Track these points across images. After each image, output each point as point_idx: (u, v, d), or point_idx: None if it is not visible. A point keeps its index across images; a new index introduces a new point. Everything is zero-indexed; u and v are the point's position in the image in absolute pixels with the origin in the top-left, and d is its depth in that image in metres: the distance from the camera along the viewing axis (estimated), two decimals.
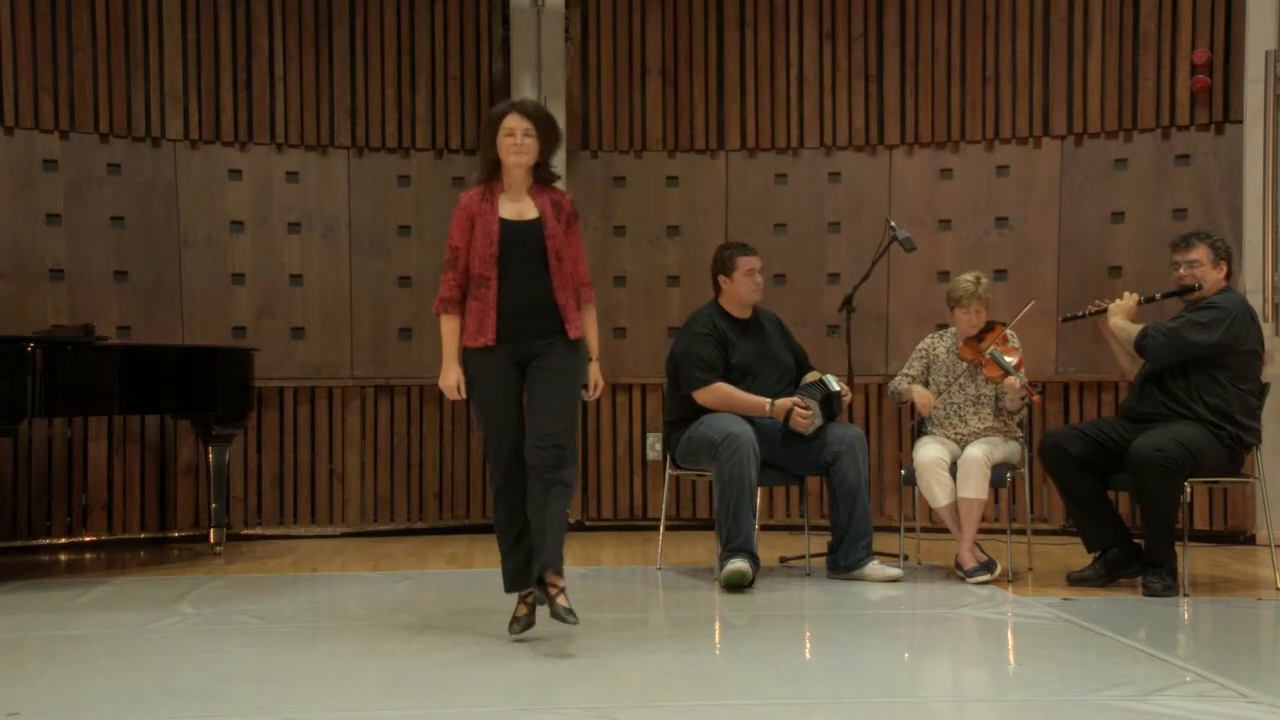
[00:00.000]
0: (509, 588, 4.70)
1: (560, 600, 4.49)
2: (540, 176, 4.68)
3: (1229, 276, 5.76)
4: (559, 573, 4.54)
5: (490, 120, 4.65)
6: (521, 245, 4.55)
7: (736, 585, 5.63)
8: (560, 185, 4.85)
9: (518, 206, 4.61)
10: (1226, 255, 5.73)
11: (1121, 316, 5.79)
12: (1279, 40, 7.05)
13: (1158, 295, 5.88)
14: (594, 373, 4.74)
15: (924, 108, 7.91)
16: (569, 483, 4.58)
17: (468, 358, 4.61)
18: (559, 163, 4.84)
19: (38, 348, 5.87)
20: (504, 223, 4.57)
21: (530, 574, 4.61)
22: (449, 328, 4.62)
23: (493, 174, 4.65)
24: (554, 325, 4.57)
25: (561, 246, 4.59)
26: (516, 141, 4.57)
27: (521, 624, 4.63)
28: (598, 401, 8.01)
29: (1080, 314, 6.07)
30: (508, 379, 4.58)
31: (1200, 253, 5.68)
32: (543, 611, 4.61)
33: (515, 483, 4.58)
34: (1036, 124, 7.75)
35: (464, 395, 4.63)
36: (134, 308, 7.44)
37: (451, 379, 4.61)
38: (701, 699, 3.95)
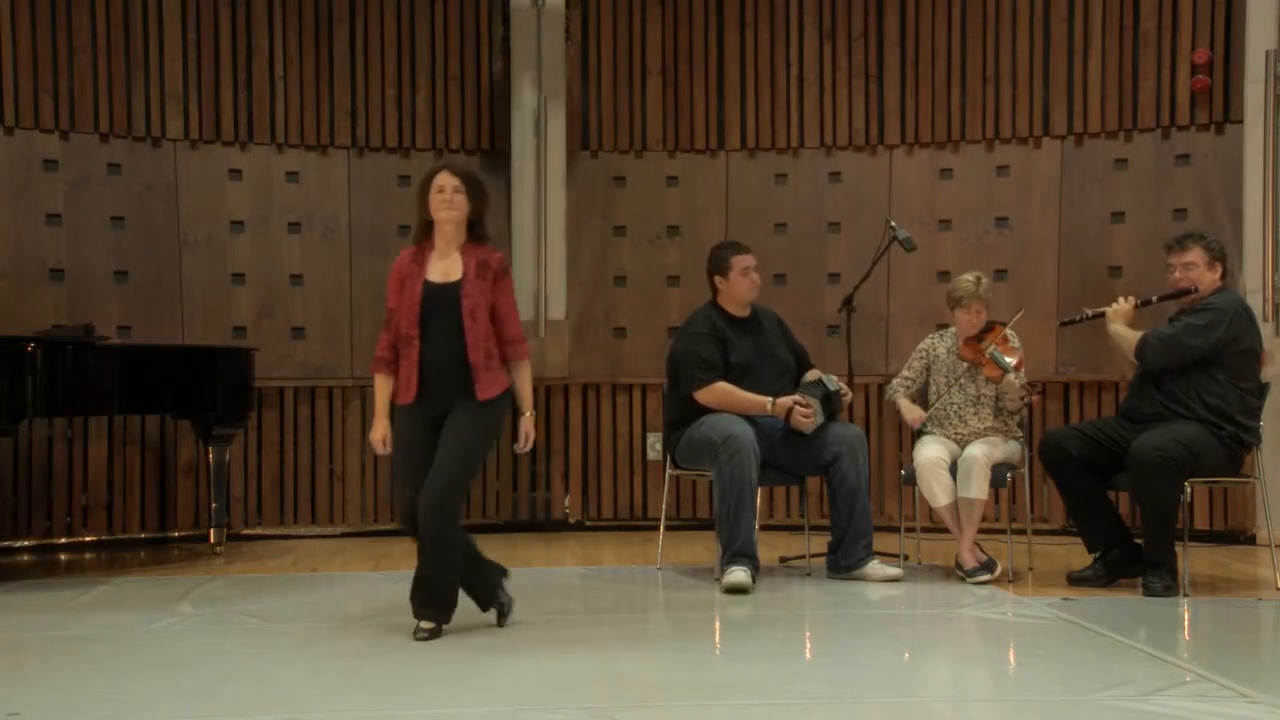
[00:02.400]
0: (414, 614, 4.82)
1: (424, 623, 4.71)
2: (473, 235, 4.77)
3: (1224, 276, 5.76)
4: (426, 617, 4.72)
5: (423, 181, 4.81)
6: (443, 306, 4.67)
7: (737, 594, 5.63)
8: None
9: (444, 265, 4.73)
10: (1221, 256, 5.73)
11: (1120, 322, 5.79)
12: (1279, 40, 7.05)
13: (1154, 298, 5.88)
14: (525, 425, 4.85)
15: (924, 108, 7.91)
16: (444, 551, 4.68)
17: (395, 413, 4.78)
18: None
19: (38, 348, 5.86)
20: (427, 284, 4.69)
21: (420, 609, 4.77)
22: (380, 386, 4.82)
23: (425, 233, 4.78)
24: (466, 383, 4.66)
25: (478, 306, 4.67)
26: (446, 198, 4.70)
27: (426, 633, 4.71)
28: (598, 401, 8.02)
29: (1077, 318, 6.07)
30: (423, 437, 4.69)
31: (1195, 254, 5.68)
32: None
33: (414, 526, 4.72)
34: (1036, 124, 7.75)
35: (389, 449, 4.80)
36: (134, 308, 7.44)
37: (379, 433, 4.80)
38: (701, 699, 3.95)
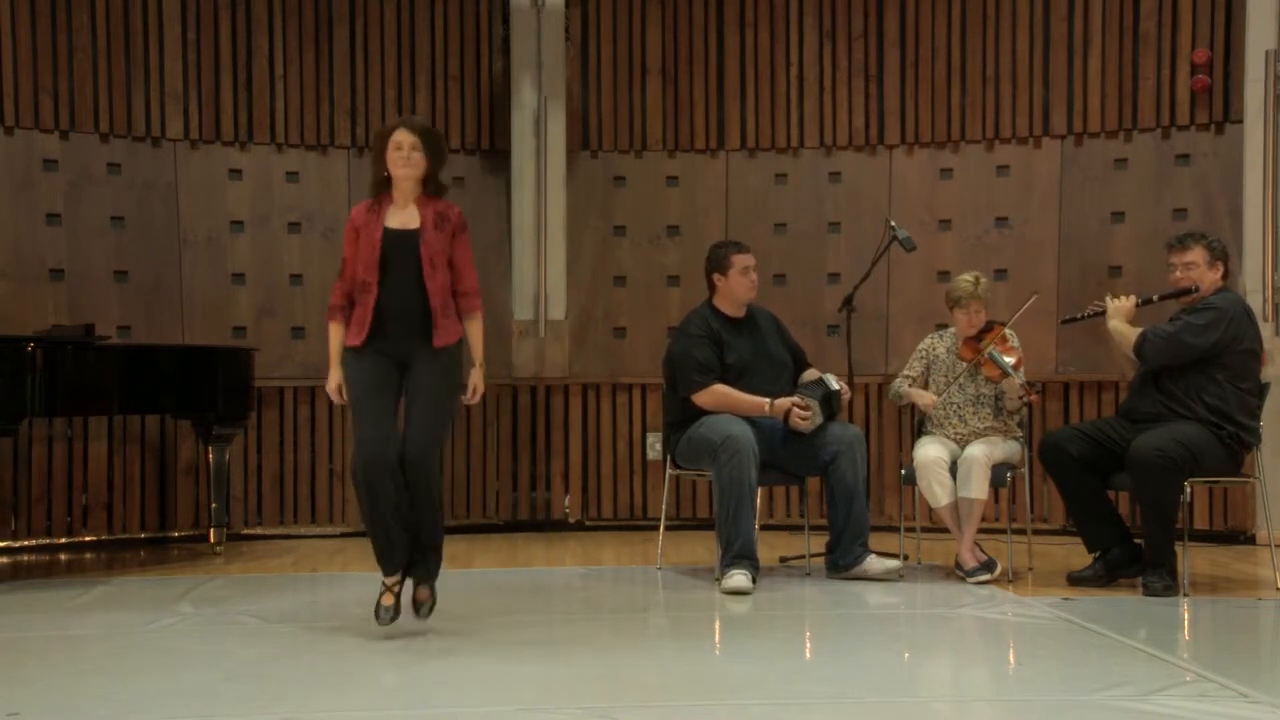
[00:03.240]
0: (383, 570, 4.77)
1: (420, 594, 4.72)
2: (429, 189, 4.80)
3: (1226, 276, 5.76)
4: (425, 583, 4.73)
5: (379, 136, 4.82)
6: (402, 253, 4.70)
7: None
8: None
9: (403, 216, 4.76)
10: (1223, 255, 5.73)
11: (1120, 319, 5.79)
12: (1279, 40, 7.05)
13: (1155, 297, 5.88)
14: (475, 377, 4.85)
15: (924, 108, 7.91)
16: (434, 500, 4.69)
17: (346, 358, 4.77)
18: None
19: (38, 348, 5.87)
20: (387, 231, 4.72)
21: (397, 558, 4.72)
22: (334, 333, 4.83)
23: (382, 188, 4.80)
24: (425, 331, 4.70)
25: (437, 254, 4.70)
26: (404, 155, 4.72)
27: (388, 614, 4.71)
28: (598, 401, 8.02)
29: (1079, 316, 6.07)
30: (381, 375, 4.70)
31: (1196, 254, 5.68)
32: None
33: (379, 477, 4.61)
34: (1036, 124, 7.75)
35: (345, 399, 4.78)
36: (134, 308, 7.44)
37: (333, 382, 4.80)
38: (701, 699, 3.95)
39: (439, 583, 4.83)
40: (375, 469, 4.61)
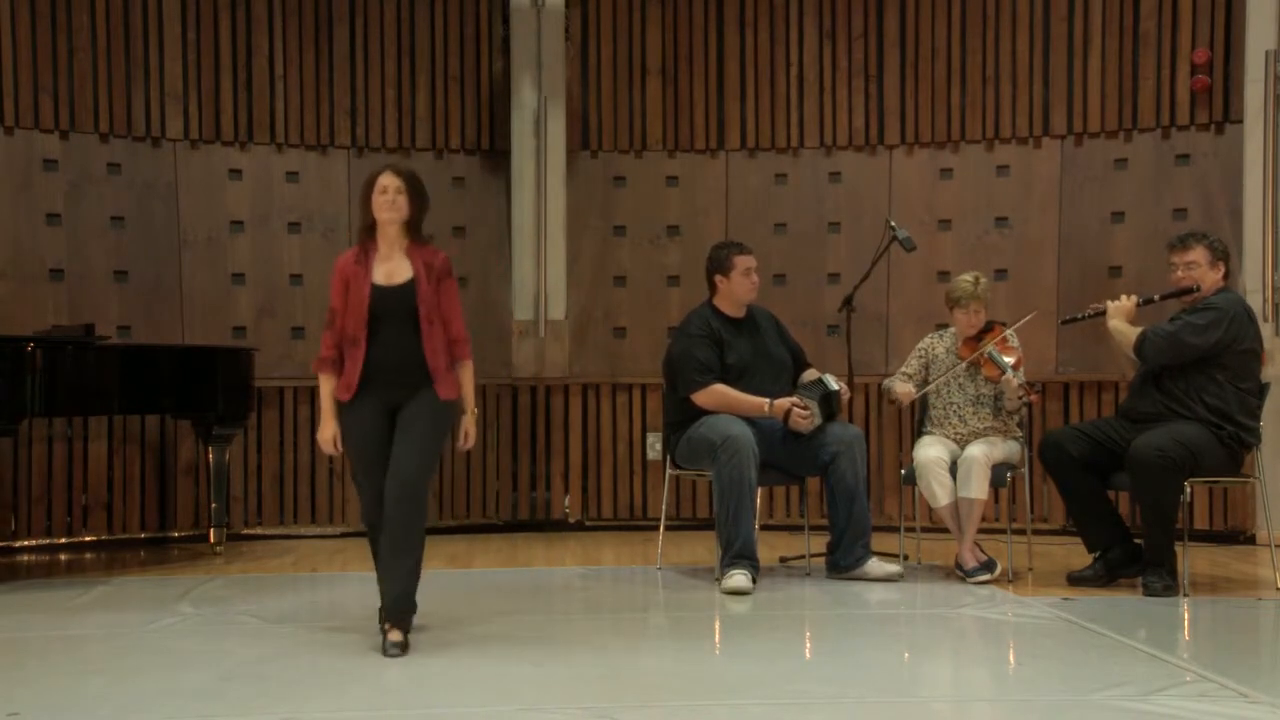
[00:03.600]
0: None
1: (393, 636, 4.53)
2: (414, 236, 4.74)
3: (1227, 276, 5.76)
4: (398, 627, 4.56)
5: (366, 181, 4.77)
6: (391, 308, 4.64)
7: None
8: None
9: (389, 268, 4.69)
10: (1224, 255, 5.73)
11: (1120, 319, 5.79)
12: (1279, 40, 7.05)
13: (1156, 297, 5.88)
14: (467, 424, 4.81)
15: (924, 108, 7.91)
16: (414, 537, 4.59)
17: (340, 411, 4.71)
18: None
19: (38, 348, 5.86)
20: (375, 288, 4.65)
21: (389, 611, 4.64)
22: (325, 386, 4.75)
23: (368, 235, 4.74)
24: (421, 382, 4.63)
25: (433, 311, 4.66)
26: (389, 199, 4.66)
27: (396, 648, 4.56)
28: (598, 401, 8.02)
29: (1079, 316, 6.07)
30: (376, 424, 4.65)
31: (1198, 254, 5.68)
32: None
33: (380, 521, 4.62)
34: (1036, 124, 7.75)
35: (340, 449, 4.74)
36: (134, 308, 7.44)
37: (328, 433, 4.73)
38: (701, 699, 3.95)
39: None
40: (378, 526, 4.60)
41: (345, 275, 4.70)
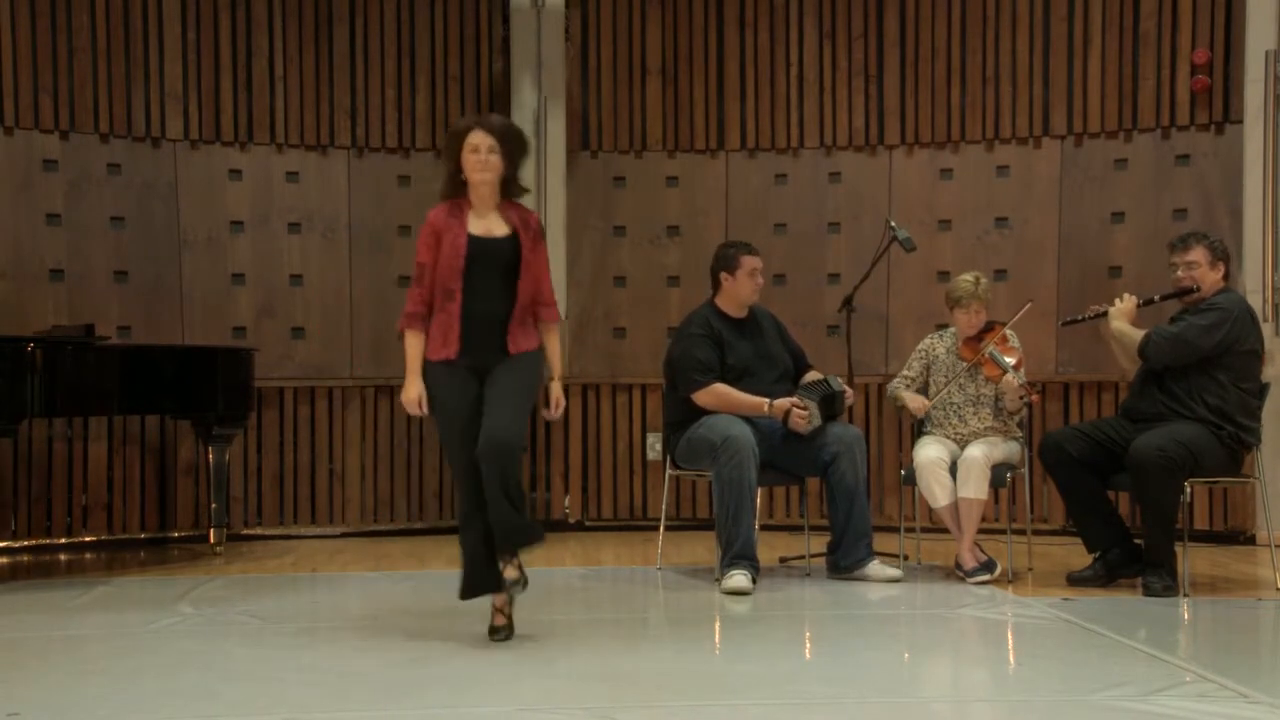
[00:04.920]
0: (470, 593, 4.68)
1: (509, 573, 4.51)
2: (508, 192, 4.66)
3: (1227, 276, 5.77)
4: (511, 556, 4.52)
5: (453, 134, 4.64)
6: (488, 261, 4.56)
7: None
8: (527, 201, 4.83)
9: (485, 223, 4.60)
10: (1224, 255, 5.73)
11: (1122, 320, 5.79)
12: (1279, 40, 7.04)
13: (1157, 298, 5.88)
14: (555, 391, 4.74)
15: (924, 108, 7.91)
16: (517, 482, 4.54)
17: (430, 371, 4.60)
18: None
19: (38, 348, 5.86)
20: (472, 238, 4.56)
21: (493, 579, 4.60)
22: (413, 342, 4.63)
23: (457, 190, 4.64)
24: (505, 340, 4.59)
25: (528, 265, 4.60)
26: (481, 158, 4.55)
27: (503, 633, 4.63)
28: (598, 401, 8.02)
29: (1080, 318, 6.07)
30: (468, 392, 4.57)
31: (1198, 254, 5.68)
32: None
33: (474, 490, 4.55)
34: (1036, 124, 7.75)
35: (425, 410, 4.64)
36: (134, 308, 7.44)
37: (414, 393, 4.61)
38: (701, 699, 3.95)
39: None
40: (474, 496, 4.53)
41: (437, 228, 4.58)
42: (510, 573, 4.49)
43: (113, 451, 7.40)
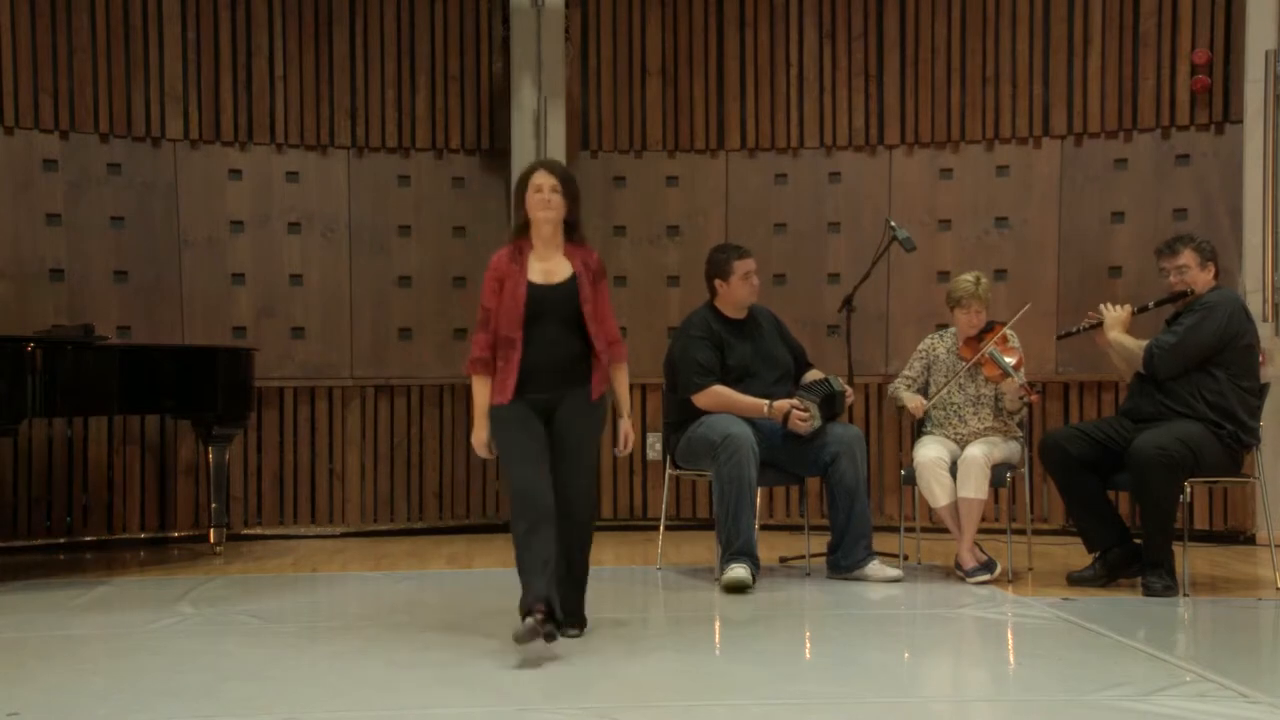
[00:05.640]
0: (533, 602, 4.46)
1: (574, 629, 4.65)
2: (571, 236, 4.71)
3: (1218, 275, 5.77)
4: (582, 620, 4.70)
5: (520, 180, 4.74)
6: (549, 309, 4.59)
7: (736, 590, 5.63)
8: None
9: (546, 267, 4.64)
10: (1212, 255, 5.74)
11: (1118, 330, 5.80)
12: (1279, 40, 7.05)
13: (1151, 304, 5.89)
14: (624, 427, 4.81)
15: (924, 108, 7.91)
16: (587, 536, 4.68)
17: (494, 413, 4.64)
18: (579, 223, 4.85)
19: (38, 348, 5.86)
20: (532, 286, 4.60)
21: (544, 594, 4.46)
22: (479, 388, 4.67)
23: (522, 233, 4.71)
24: (575, 383, 4.61)
25: (596, 309, 4.63)
26: (545, 197, 4.62)
27: (529, 634, 4.56)
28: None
29: (1075, 330, 6.08)
30: (530, 420, 4.58)
31: (1187, 257, 5.69)
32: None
33: (542, 521, 4.47)
34: (1036, 124, 7.75)
35: (495, 453, 4.68)
36: (134, 308, 7.44)
37: (483, 436, 4.66)
38: (701, 699, 3.95)
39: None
40: (540, 520, 4.47)
41: (500, 274, 4.63)
42: (574, 629, 4.65)
43: (113, 451, 7.40)
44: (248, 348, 7.05)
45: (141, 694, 3.99)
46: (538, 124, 7.72)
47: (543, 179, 4.64)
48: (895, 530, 6.51)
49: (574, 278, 4.63)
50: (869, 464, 6.18)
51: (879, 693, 4.05)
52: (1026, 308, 6.24)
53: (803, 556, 6.27)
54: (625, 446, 4.81)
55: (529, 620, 4.30)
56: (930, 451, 5.96)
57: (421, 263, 7.88)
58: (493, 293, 4.63)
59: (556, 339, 4.59)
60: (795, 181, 8.07)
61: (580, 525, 4.63)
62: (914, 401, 6.12)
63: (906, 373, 6.27)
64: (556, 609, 4.42)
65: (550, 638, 4.33)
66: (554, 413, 4.61)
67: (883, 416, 7.83)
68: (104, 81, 7.41)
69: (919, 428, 6.30)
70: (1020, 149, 7.79)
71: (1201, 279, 5.69)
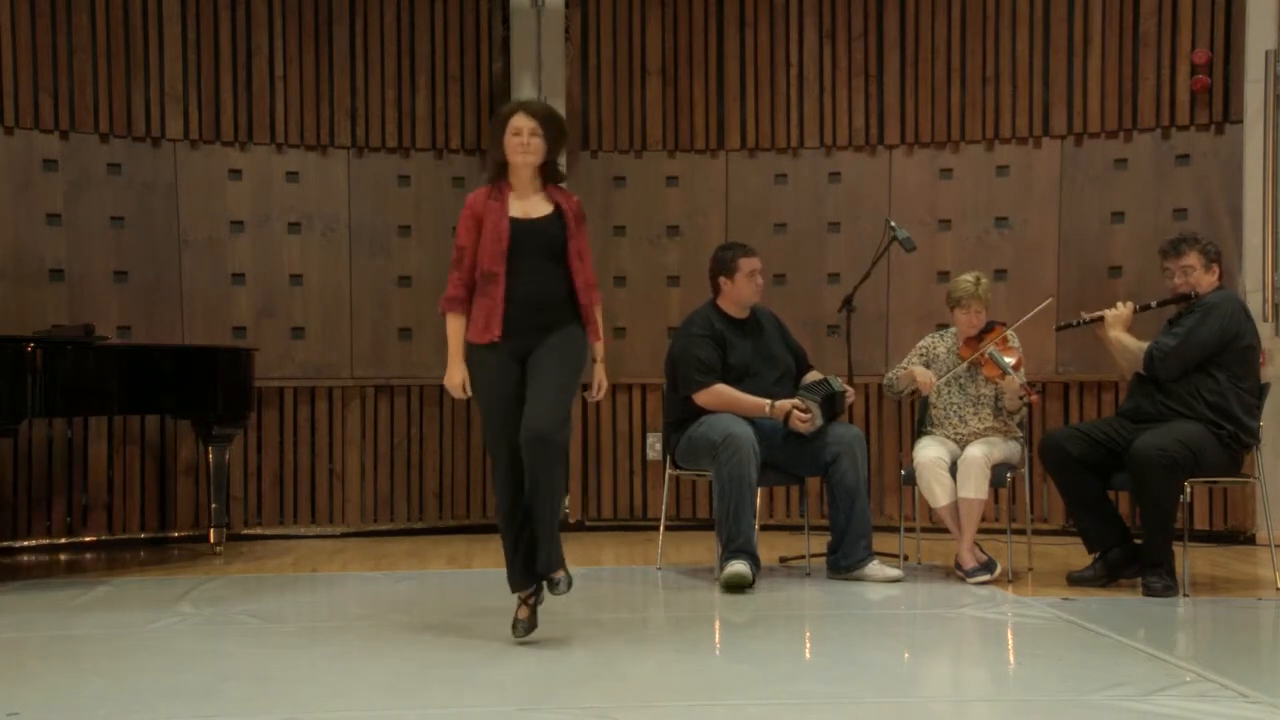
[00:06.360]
0: (513, 587, 4.67)
1: (558, 576, 4.52)
2: (548, 176, 4.68)
3: (1221, 278, 5.76)
4: (559, 566, 4.55)
5: (498, 120, 4.67)
6: (531, 243, 4.55)
7: (737, 587, 5.63)
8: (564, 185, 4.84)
9: (525, 205, 4.61)
10: (1217, 257, 5.74)
11: (1120, 328, 5.80)
12: (1279, 40, 7.05)
13: (1153, 304, 5.88)
14: (599, 374, 4.75)
15: (924, 108, 7.91)
16: (556, 483, 4.51)
17: (472, 354, 4.60)
18: (560, 163, 4.82)
19: (38, 348, 5.87)
20: (514, 221, 4.56)
21: (533, 573, 4.60)
22: (454, 326, 4.62)
23: (500, 174, 4.66)
24: (559, 321, 4.57)
25: (574, 244, 4.60)
26: (523, 140, 4.57)
27: (524, 627, 4.61)
28: (598, 403, 8.00)
29: (1074, 323, 6.08)
30: (510, 375, 4.56)
31: (1192, 258, 5.68)
32: (540, 620, 4.63)
33: (515, 480, 4.53)
34: (1036, 124, 7.75)
35: (469, 394, 4.63)
36: (134, 308, 7.44)
37: (457, 378, 4.62)
38: (701, 699, 3.95)
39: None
40: (510, 476, 4.50)
41: (477, 211, 4.59)
42: (556, 574, 4.52)
43: (113, 451, 7.40)
44: (248, 348, 7.05)
45: (141, 694, 3.99)
46: None
47: (522, 121, 4.57)
48: (895, 530, 6.51)
49: (557, 214, 4.59)
50: (869, 464, 6.18)
51: (879, 693, 4.05)
52: (1049, 301, 6.22)
53: (803, 556, 6.27)
54: (598, 392, 4.75)
55: (518, 618, 4.53)
56: (930, 451, 5.96)
57: (421, 263, 7.88)
58: (468, 230, 4.58)
59: (539, 275, 4.54)
60: (795, 181, 8.07)
61: (542, 467, 4.42)
62: (925, 376, 6.04)
63: (903, 364, 6.26)
64: (537, 593, 4.57)
65: (528, 629, 4.54)
66: (529, 354, 4.55)
67: (883, 416, 7.83)
68: (104, 81, 7.41)
69: (919, 428, 6.30)
70: (1020, 149, 7.79)
71: (1206, 281, 5.68)
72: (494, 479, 4.68)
